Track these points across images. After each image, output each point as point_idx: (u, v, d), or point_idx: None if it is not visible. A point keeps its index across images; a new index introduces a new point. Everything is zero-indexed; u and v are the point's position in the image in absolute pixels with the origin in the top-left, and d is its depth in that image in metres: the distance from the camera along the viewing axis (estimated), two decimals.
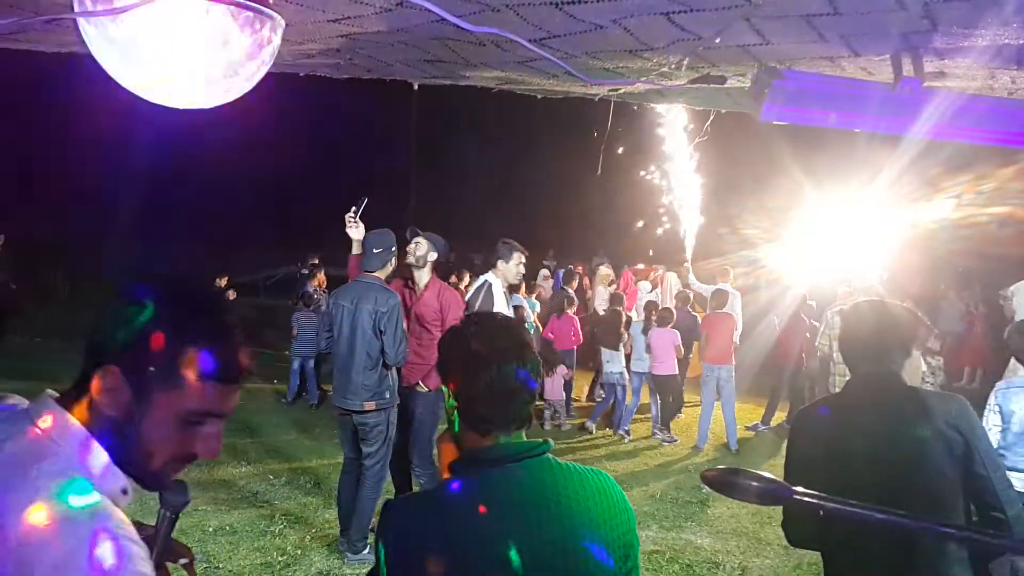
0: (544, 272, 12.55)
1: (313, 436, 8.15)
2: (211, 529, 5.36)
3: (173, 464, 1.16)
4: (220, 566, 4.78)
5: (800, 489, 1.90)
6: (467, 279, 11.05)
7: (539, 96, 3.23)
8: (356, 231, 5.00)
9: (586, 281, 12.40)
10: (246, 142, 19.74)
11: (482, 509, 1.44)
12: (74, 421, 1.09)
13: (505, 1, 2.01)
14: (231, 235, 18.83)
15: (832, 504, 1.84)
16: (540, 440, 1.56)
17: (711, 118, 3.17)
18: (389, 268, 4.93)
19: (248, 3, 1.76)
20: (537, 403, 9.24)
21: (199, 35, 1.68)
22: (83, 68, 2.17)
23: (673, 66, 2.36)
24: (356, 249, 5.01)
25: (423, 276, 5.18)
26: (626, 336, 8.74)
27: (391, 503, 1.52)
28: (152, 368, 1.09)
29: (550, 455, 1.56)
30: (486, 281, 5.58)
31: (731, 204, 11.14)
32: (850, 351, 2.42)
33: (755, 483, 1.80)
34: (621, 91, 2.87)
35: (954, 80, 2.48)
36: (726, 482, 1.84)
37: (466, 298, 5.64)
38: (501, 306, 5.46)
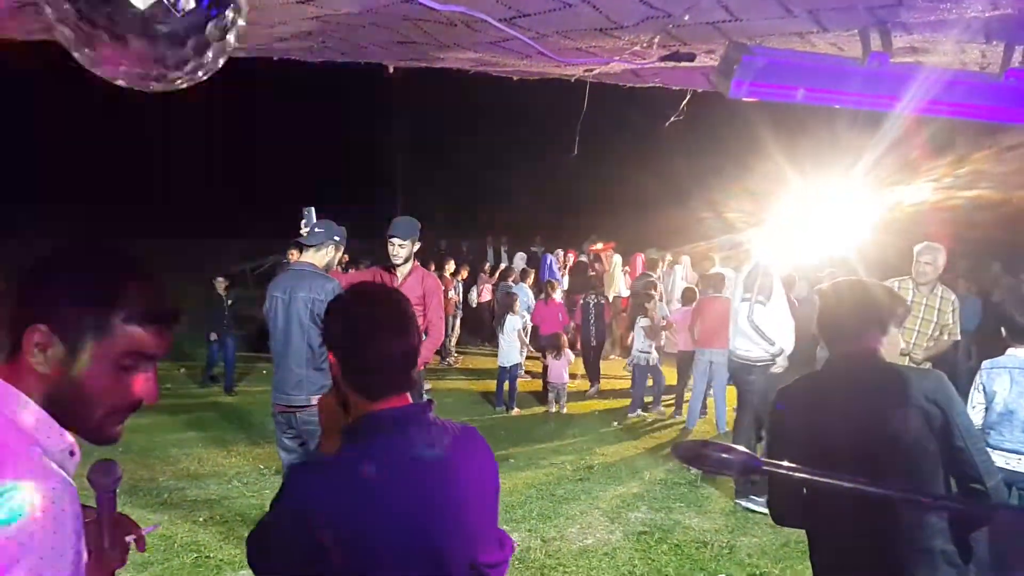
0: (521, 254, 12.62)
1: None
2: (201, 519, 5.38)
3: (115, 414, 1.18)
4: (211, 555, 4.80)
5: (769, 460, 1.93)
6: (453, 267, 11.05)
7: (515, 78, 3.23)
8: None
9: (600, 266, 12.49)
10: (232, 133, 19.62)
11: (379, 474, 1.51)
12: (2, 382, 1.09)
13: None
14: (217, 226, 18.73)
15: (801, 474, 1.89)
16: (424, 401, 1.66)
17: (687, 98, 3.18)
18: (327, 254, 4.61)
19: None
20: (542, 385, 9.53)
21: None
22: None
23: (645, 45, 2.37)
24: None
25: (405, 267, 5.19)
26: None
27: (296, 468, 1.62)
28: (80, 319, 1.12)
29: (431, 415, 1.65)
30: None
31: (716, 188, 11.19)
32: (828, 329, 2.45)
33: (724, 454, 1.84)
34: (596, 71, 2.87)
35: (925, 55, 2.50)
36: (696, 454, 1.88)
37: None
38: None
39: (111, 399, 1.15)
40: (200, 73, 1.42)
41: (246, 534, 5.42)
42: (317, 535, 1.47)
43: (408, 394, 1.64)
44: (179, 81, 1.41)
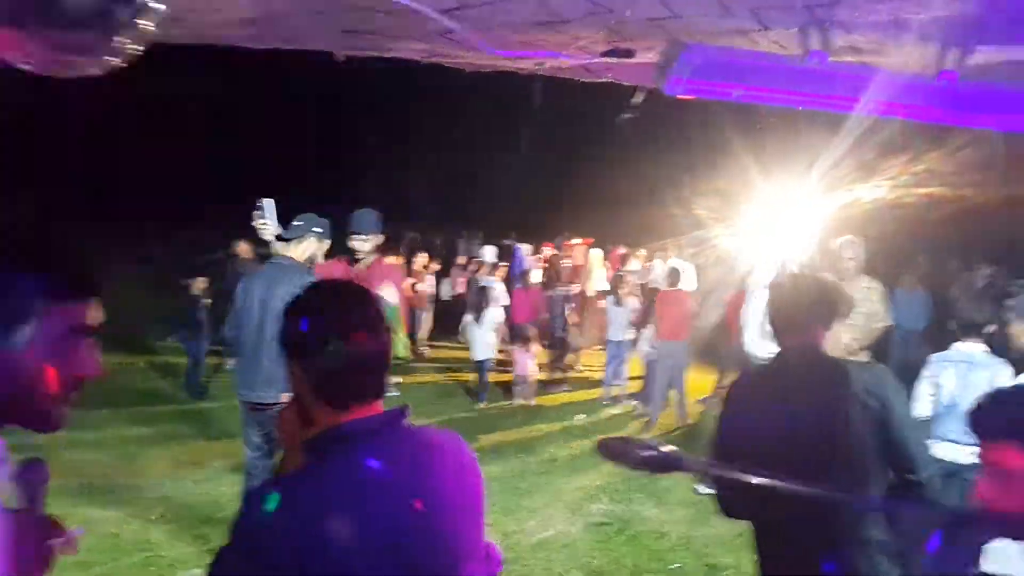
0: (491, 247, 12.64)
1: None
2: (152, 518, 5.28)
3: (58, 395, 1.16)
4: (163, 554, 4.72)
5: (692, 457, 1.96)
6: (425, 259, 11.01)
7: (467, 70, 3.22)
8: (271, 235, 4.64)
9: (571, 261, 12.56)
10: (187, 123, 19.30)
11: (347, 491, 1.39)
12: None
13: None
14: (171, 215, 18.40)
15: (717, 470, 1.92)
16: (397, 408, 1.50)
17: (642, 95, 3.19)
18: (308, 248, 4.50)
19: None
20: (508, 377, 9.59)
21: None
22: None
23: (589, 40, 2.37)
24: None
25: (367, 259, 5.15)
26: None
27: (252, 492, 1.47)
28: (8, 306, 1.10)
29: (406, 422, 1.51)
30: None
31: (684, 186, 11.30)
32: (778, 322, 2.48)
33: (646, 452, 1.85)
34: (546, 65, 2.88)
35: (865, 54, 2.53)
36: (619, 451, 1.89)
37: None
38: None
39: (52, 382, 1.14)
40: (115, 59, 1.38)
41: (197, 532, 5.25)
42: (279, 562, 1.34)
43: (379, 402, 1.49)
44: (90, 67, 1.37)
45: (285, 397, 4.34)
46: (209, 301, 9.16)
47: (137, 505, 5.50)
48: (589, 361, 11.42)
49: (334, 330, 1.43)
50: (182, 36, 2.52)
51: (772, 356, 2.55)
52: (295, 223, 4.48)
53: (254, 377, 4.32)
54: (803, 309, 2.40)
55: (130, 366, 10.38)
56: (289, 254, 4.46)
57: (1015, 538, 1.51)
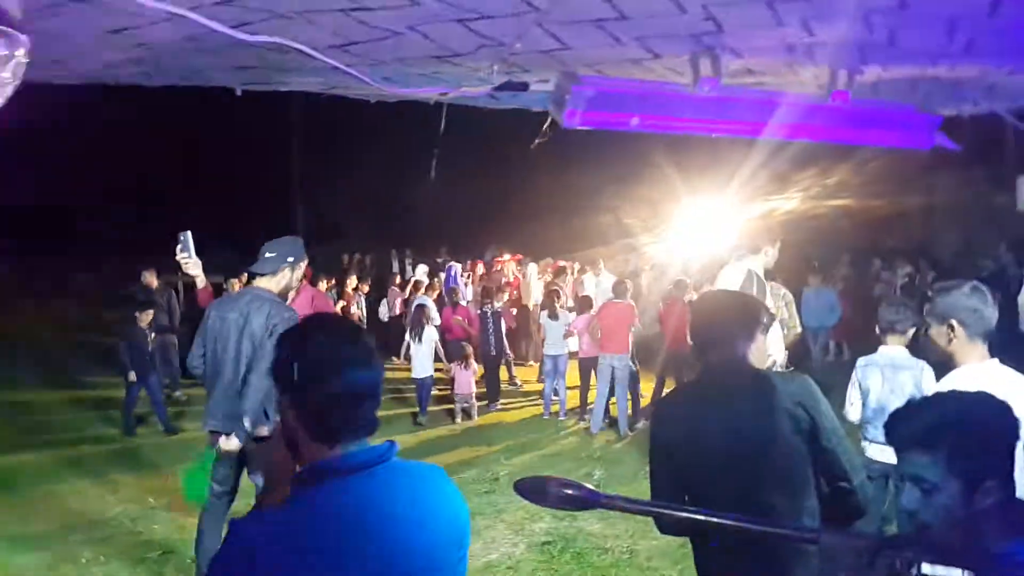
0: (423, 266, 12.59)
1: (197, 453, 7.81)
2: (84, 560, 5.04)
3: None
4: None
5: (608, 494, 1.93)
6: (353, 282, 10.85)
7: (372, 100, 3.15)
8: (195, 267, 4.54)
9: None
10: (121, 150, 18.73)
11: (334, 526, 1.36)
12: None
13: (295, 8, 1.92)
14: (104, 244, 17.78)
15: (636, 506, 1.89)
16: (386, 443, 1.48)
17: (549, 120, 3.17)
18: (283, 278, 4.34)
19: None
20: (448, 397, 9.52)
21: None
22: None
23: (486, 72, 2.34)
24: (202, 283, 4.68)
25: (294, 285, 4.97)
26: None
27: (239, 522, 1.39)
28: None
29: (394, 458, 1.49)
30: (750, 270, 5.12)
31: (614, 196, 11.49)
32: (699, 338, 2.48)
33: (566, 490, 1.81)
34: (450, 95, 2.83)
35: (760, 75, 2.57)
36: (538, 490, 1.84)
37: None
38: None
39: None
40: None
41: (132, 572, 5.03)
42: None
43: (368, 438, 1.47)
44: None
45: (263, 430, 4.17)
46: (154, 335, 8.75)
47: (67, 547, 5.28)
48: (528, 376, 11.42)
49: (325, 365, 1.41)
50: (69, 77, 2.38)
51: (698, 372, 2.56)
52: (267, 255, 4.29)
53: (228, 408, 4.18)
54: (723, 324, 2.41)
55: (58, 402, 9.95)
56: (264, 286, 4.29)
57: (947, 564, 1.51)
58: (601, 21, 1.88)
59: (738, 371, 2.38)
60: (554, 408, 9.23)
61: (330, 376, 1.41)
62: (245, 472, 4.41)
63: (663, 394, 8.95)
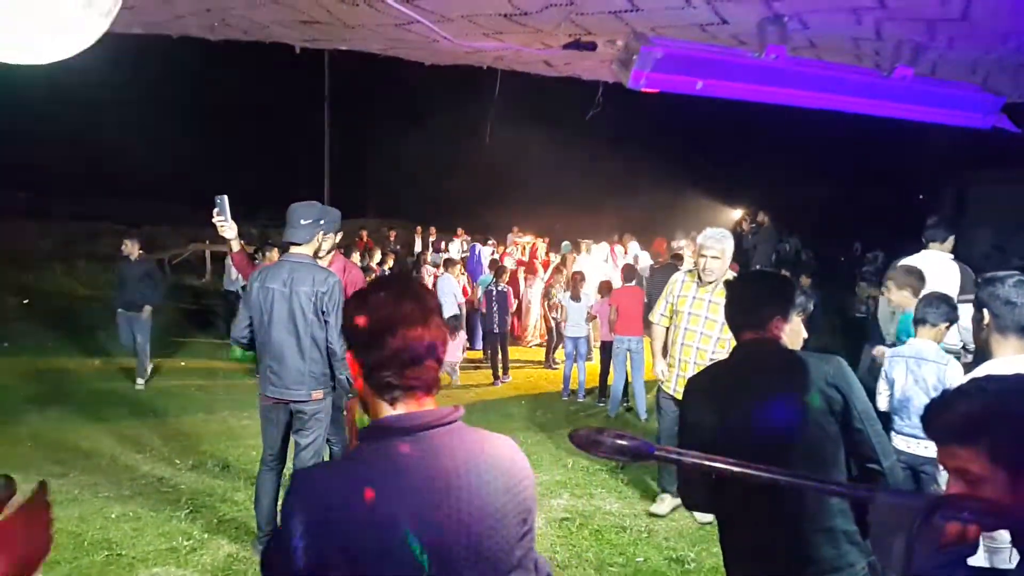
0: (456, 243, 12.68)
1: (220, 418, 7.93)
2: (114, 516, 5.16)
3: None
4: (123, 553, 4.61)
5: (661, 446, 1.97)
6: (378, 256, 10.92)
7: (426, 63, 3.17)
8: (229, 230, 4.65)
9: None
10: (151, 117, 18.80)
11: (391, 480, 1.39)
12: None
13: None
14: (135, 213, 17.95)
15: (691, 459, 1.91)
16: (452, 407, 1.51)
17: (600, 90, 3.19)
18: (318, 243, 4.47)
19: None
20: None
21: None
22: None
23: (550, 32, 2.35)
24: (236, 247, 4.76)
25: (326, 258, 5.04)
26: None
27: (300, 473, 1.44)
28: None
29: (462, 421, 1.52)
30: None
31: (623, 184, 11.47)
32: (734, 318, 2.50)
33: (619, 441, 1.85)
34: (506, 59, 2.85)
35: (822, 50, 2.57)
36: (592, 441, 1.87)
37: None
38: None
39: None
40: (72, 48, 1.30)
41: (160, 530, 5.18)
42: (317, 545, 1.34)
43: (432, 396, 1.51)
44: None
45: (315, 394, 4.34)
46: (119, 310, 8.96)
47: (96, 504, 5.37)
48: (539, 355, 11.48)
49: (380, 324, 1.45)
50: (133, 25, 2.41)
51: (732, 350, 2.57)
52: (302, 222, 4.37)
53: (282, 376, 4.32)
54: (759, 304, 2.43)
55: (89, 366, 10.11)
56: (302, 252, 4.40)
57: (1006, 527, 1.50)
58: None
59: (772, 350, 2.41)
60: (573, 388, 9.30)
61: (388, 334, 1.44)
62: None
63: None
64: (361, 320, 1.47)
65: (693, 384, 2.54)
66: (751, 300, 2.45)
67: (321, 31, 2.62)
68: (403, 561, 1.36)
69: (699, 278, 5.00)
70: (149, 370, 9.14)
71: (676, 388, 5.06)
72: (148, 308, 8.88)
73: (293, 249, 4.41)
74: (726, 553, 2.51)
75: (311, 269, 4.34)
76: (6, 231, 16.88)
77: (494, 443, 1.55)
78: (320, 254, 4.62)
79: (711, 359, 4.82)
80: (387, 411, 1.47)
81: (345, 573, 1.34)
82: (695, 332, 4.97)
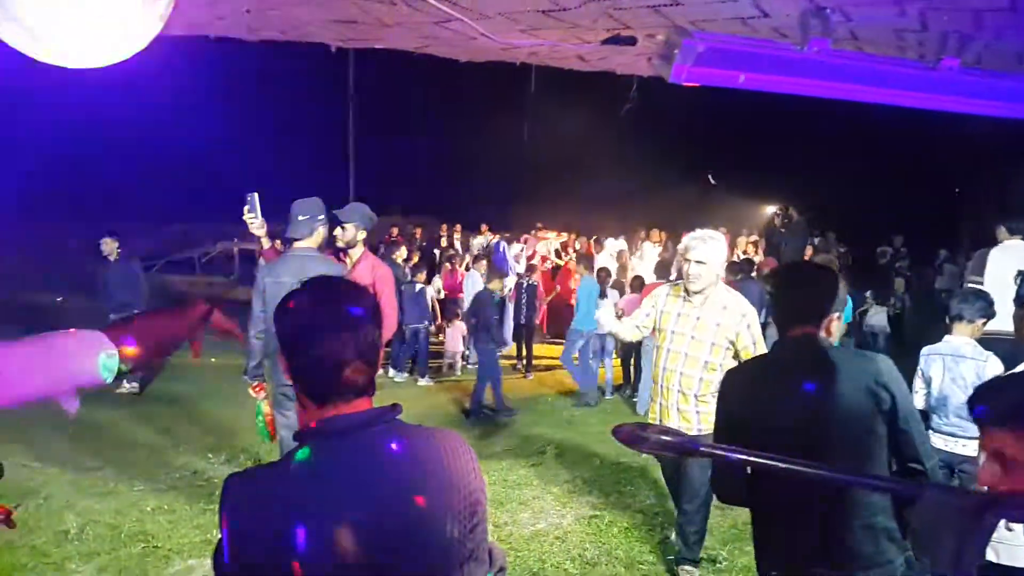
0: (480, 240, 12.72)
1: (252, 413, 8.01)
2: (149, 508, 5.25)
3: None
4: (159, 545, 4.70)
5: (705, 441, 1.95)
6: (404, 253, 10.96)
7: (461, 59, 3.18)
8: (260, 228, 4.71)
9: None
10: (173, 114, 18.97)
11: (321, 479, 1.39)
12: None
13: None
14: (163, 211, 18.17)
15: (737, 455, 1.90)
16: (387, 406, 1.49)
17: (635, 85, 3.16)
18: (319, 237, 4.56)
19: None
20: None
21: None
22: None
23: (588, 28, 2.34)
24: (267, 243, 4.82)
25: (355, 251, 5.07)
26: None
27: (228, 479, 1.45)
28: None
29: (400, 419, 1.50)
30: None
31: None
32: (785, 311, 2.46)
33: (663, 436, 1.85)
34: (541, 55, 2.84)
35: (865, 43, 2.53)
36: (636, 437, 1.87)
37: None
38: None
39: None
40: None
41: (194, 522, 5.26)
42: (238, 546, 1.37)
43: (365, 398, 1.48)
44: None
45: None
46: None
47: (132, 497, 5.47)
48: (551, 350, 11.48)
49: (304, 331, 1.43)
50: (176, 26, 2.44)
51: (774, 345, 2.54)
52: (300, 218, 4.45)
53: None
54: (809, 297, 2.39)
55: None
56: (306, 246, 4.49)
57: None
58: None
59: (821, 347, 2.37)
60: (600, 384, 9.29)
61: (309, 341, 1.42)
62: None
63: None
64: (284, 324, 1.45)
65: (734, 377, 2.52)
66: (811, 295, 2.40)
67: (358, 30, 2.63)
68: (325, 558, 1.36)
69: (685, 291, 4.19)
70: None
71: (660, 419, 4.32)
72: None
73: (296, 244, 4.50)
74: (760, 548, 2.48)
75: (320, 262, 4.40)
76: (41, 229, 17.22)
77: (433, 439, 1.53)
78: (340, 244, 4.72)
79: (698, 388, 4.14)
80: (319, 414, 1.45)
81: (270, 572, 1.35)
82: (679, 354, 4.17)
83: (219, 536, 1.45)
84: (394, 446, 1.46)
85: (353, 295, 1.50)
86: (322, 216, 4.53)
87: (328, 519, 1.37)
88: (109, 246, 8.36)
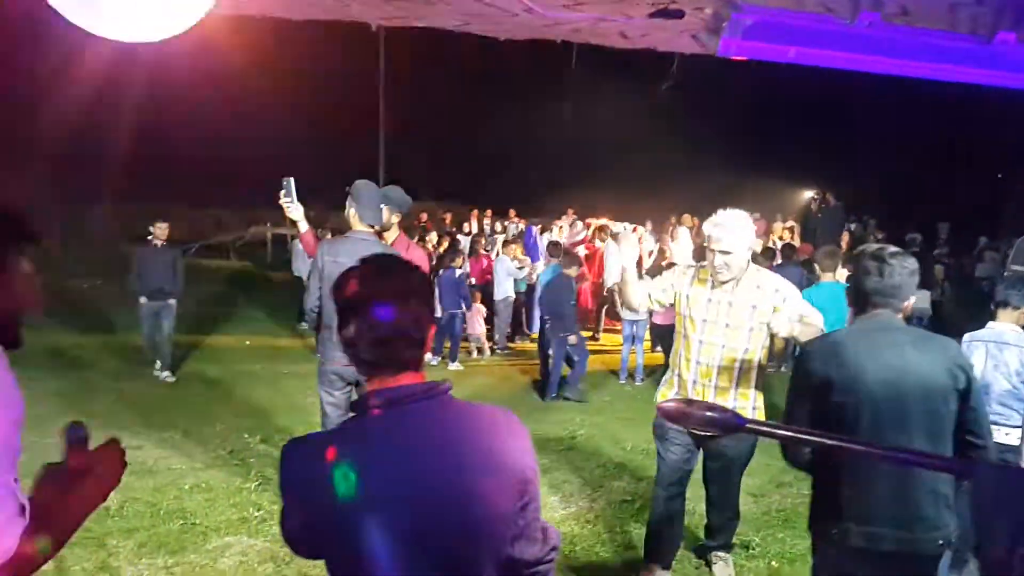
0: (514, 224, 12.73)
1: (286, 393, 8.14)
2: (187, 487, 5.36)
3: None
4: (197, 522, 4.80)
5: (751, 418, 1.95)
6: (435, 238, 11.02)
7: (501, 38, 3.17)
8: (296, 212, 4.77)
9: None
10: (208, 102, 19.15)
11: (372, 446, 1.45)
12: None
13: None
14: (198, 196, 18.43)
15: (783, 432, 1.90)
16: (437, 381, 1.54)
17: (675, 62, 3.13)
18: (384, 220, 4.74)
19: None
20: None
21: None
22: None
23: (633, 2, 2.32)
24: (304, 227, 4.87)
25: (390, 234, 5.13)
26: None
27: (287, 444, 1.52)
28: None
29: (451, 394, 1.55)
30: None
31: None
32: (870, 291, 2.53)
33: (709, 412, 1.83)
34: (584, 31, 2.82)
35: (916, 17, 2.47)
36: (681, 413, 1.86)
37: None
38: None
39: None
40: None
41: (231, 500, 5.34)
42: (300, 509, 1.45)
43: (415, 372, 1.53)
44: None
45: None
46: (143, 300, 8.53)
47: (170, 475, 5.58)
48: (609, 338, 11.46)
49: (352, 301, 1.49)
50: (227, 5, 2.47)
51: (855, 320, 2.59)
52: (375, 204, 4.60)
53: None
54: (898, 276, 2.48)
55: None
56: (366, 229, 4.60)
57: None
58: None
59: (904, 327, 2.52)
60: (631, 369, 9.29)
61: (358, 314, 1.48)
62: None
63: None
64: (338, 296, 1.51)
65: (820, 345, 2.60)
66: (901, 277, 2.49)
67: (400, 8, 2.64)
68: (376, 520, 1.41)
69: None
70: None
71: None
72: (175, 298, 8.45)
73: (356, 226, 4.56)
74: (820, 509, 2.60)
75: (377, 245, 4.51)
76: (79, 213, 17.55)
77: (483, 415, 1.56)
78: (385, 233, 4.79)
79: (737, 380, 3.81)
80: (372, 386, 1.51)
81: (329, 533, 1.43)
82: (715, 346, 3.78)
83: (280, 505, 1.53)
84: (444, 419, 1.50)
85: (405, 271, 1.56)
86: (387, 203, 4.72)
87: (379, 484, 1.41)
88: (162, 230, 8.33)
